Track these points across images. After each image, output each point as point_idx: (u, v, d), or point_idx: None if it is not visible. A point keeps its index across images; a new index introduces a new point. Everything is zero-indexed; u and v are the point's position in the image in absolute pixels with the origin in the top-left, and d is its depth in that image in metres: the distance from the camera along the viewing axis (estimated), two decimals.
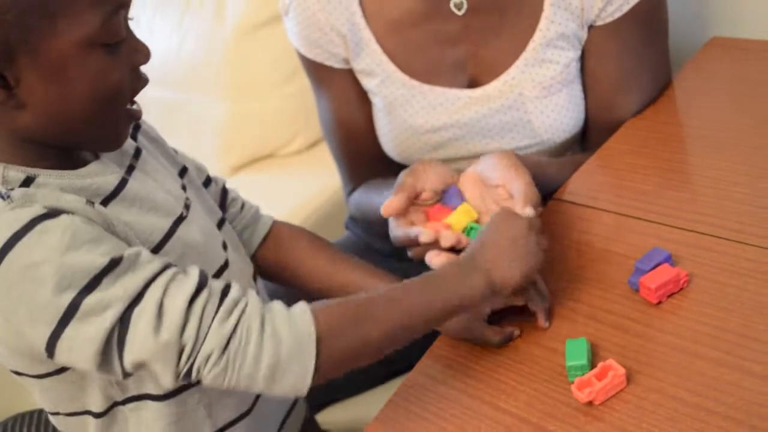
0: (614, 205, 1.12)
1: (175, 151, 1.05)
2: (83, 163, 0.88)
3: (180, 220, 0.92)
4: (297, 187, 1.75)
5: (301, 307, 0.84)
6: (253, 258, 1.09)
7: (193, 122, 1.89)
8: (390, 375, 1.36)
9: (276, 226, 1.12)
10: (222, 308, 0.81)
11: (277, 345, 0.80)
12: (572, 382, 0.88)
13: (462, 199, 1.04)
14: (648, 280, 0.95)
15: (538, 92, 1.18)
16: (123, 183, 0.89)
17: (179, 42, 1.90)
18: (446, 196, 1.05)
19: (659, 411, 0.84)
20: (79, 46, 0.79)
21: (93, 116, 0.83)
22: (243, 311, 0.81)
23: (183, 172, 1.02)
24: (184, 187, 0.98)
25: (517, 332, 0.98)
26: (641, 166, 1.17)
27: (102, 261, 0.78)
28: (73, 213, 0.79)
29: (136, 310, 0.79)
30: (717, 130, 1.21)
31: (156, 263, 0.81)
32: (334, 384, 1.36)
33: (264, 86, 1.84)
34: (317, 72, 1.29)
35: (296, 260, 1.10)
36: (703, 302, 0.94)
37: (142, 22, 1.96)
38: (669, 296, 0.96)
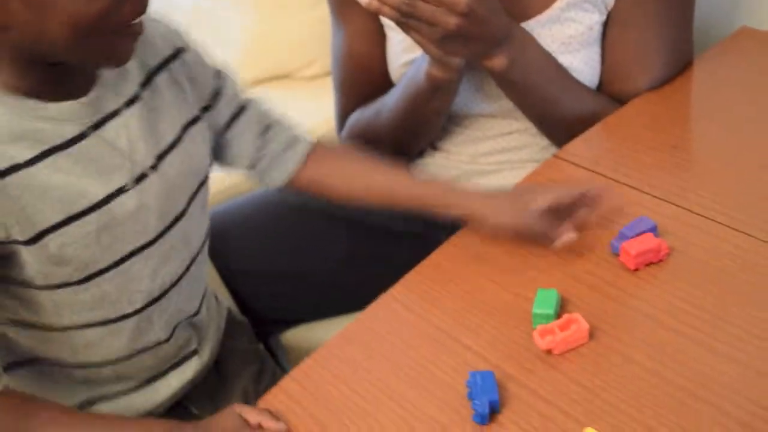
0: (613, 171, 1.12)
1: (218, 75, 1.04)
2: (84, 92, 0.86)
3: (120, 191, 0.89)
4: (307, 111, 1.73)
5: None
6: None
7: (216, 29, 1.88)
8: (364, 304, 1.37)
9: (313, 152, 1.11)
10: None
11: None
12: (535, 329, 0.89)
13: None
14: (629, 246, 0.96)
15: (555, 47, 1.17)
16: (79, 138, 0.86)
17: None
18: None
19: (615, 370, 0.85)
20: None
21: (76, 42, 0.79)
22: None
23: (205, 109, 0.99)
24: (174, 143, 0.95)
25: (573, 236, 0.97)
26: (648, 138, 1.17)
27: None
28: None
29: None
30: (731, 116, 1.20)
31: None
32: (303, 306, 1.37)
33: (292, 5, 1.82)
34: (340, 4, 1.29)
35: (327, 180, 1.11)
36: (679, 277, 0.95)
37: None
38: (647, 265, 0.96)
